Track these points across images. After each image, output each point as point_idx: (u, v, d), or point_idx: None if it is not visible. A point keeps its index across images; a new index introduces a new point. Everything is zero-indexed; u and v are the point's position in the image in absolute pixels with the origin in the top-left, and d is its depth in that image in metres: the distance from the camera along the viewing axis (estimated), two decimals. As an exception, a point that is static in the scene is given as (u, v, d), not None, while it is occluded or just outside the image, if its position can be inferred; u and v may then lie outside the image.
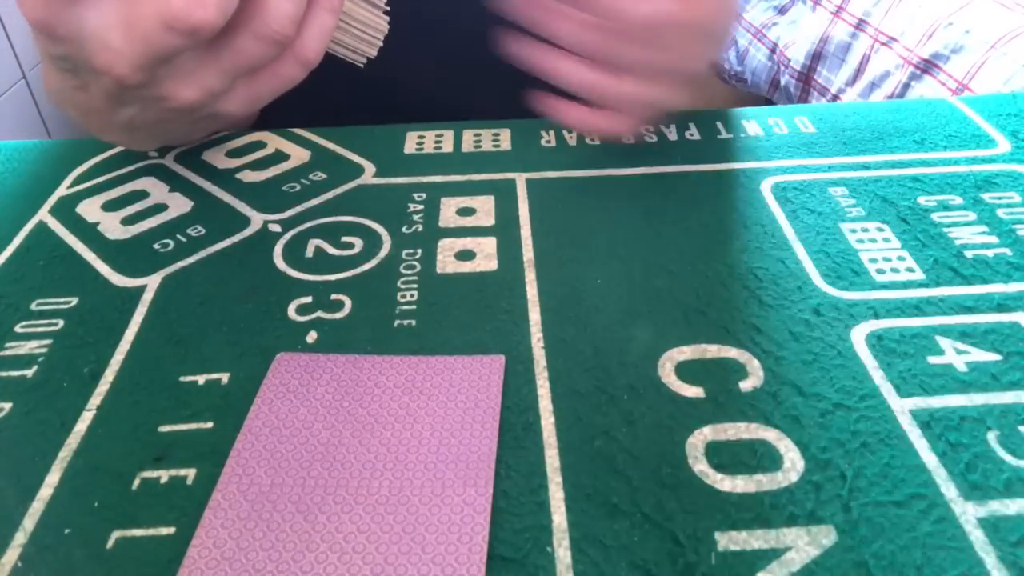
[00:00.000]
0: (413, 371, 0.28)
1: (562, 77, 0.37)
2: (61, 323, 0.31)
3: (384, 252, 0.35)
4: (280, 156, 0.42)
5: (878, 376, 0.28)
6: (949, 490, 0.24)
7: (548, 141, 0.43)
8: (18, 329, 0.31)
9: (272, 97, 0.32)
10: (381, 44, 0.35)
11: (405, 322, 0.31)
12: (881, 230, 0.35)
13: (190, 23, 0.26)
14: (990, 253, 0.34)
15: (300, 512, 0.24)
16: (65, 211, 0.38)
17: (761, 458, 0.25)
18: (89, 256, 0.35)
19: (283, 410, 0.27)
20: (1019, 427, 0.26)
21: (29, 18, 0.27)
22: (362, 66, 0.35)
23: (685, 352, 0.29)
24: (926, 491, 0.24)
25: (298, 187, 0.39)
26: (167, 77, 0.29)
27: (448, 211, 0.37)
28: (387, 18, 0.35)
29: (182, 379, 0.28)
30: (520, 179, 0.39)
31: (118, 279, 0.33)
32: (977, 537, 0.23)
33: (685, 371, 0.28)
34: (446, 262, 0.34)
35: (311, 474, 0.25)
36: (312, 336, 0.30)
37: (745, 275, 0.33)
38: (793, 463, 0.25)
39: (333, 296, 0.32)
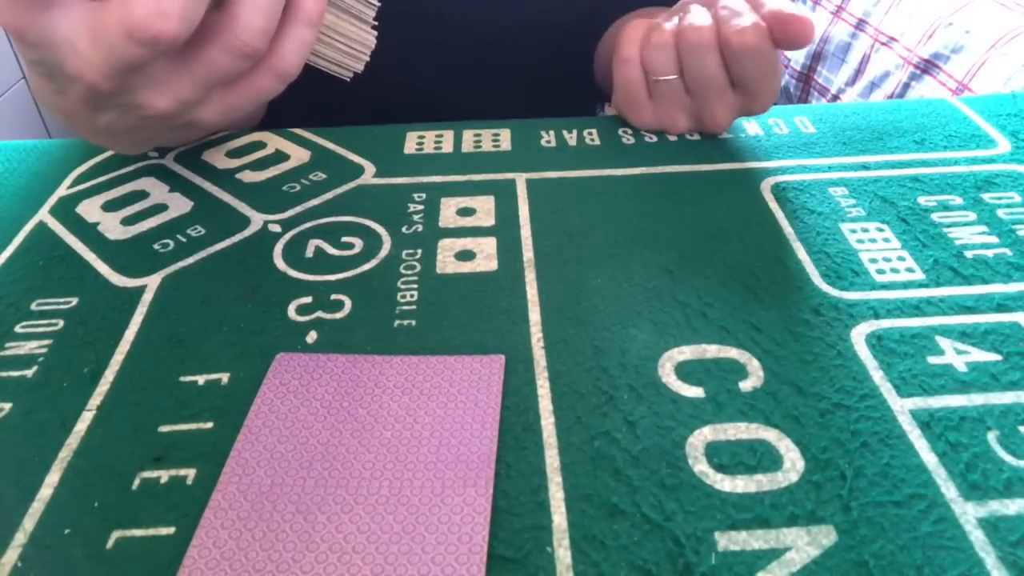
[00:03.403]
0: (413, 371, 0.28)
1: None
2: (61, 323, 0.31)
3: (384, 252, 0.35)
4: (280, 156, 0.42)
5: (878, 376, 0.28)
6: (949, 490, 0.24)
7: (548, 141, 0.43)
8: (18, 329, 0.31)
9: (249, 108, 0.32)
10: (368, 59, 0.35)
11: (405, 322, 0.31)
12: (881, 230, 0.35)
13: (151, 34, 0.26)
14: (990, 253, 0.34)
15: (300, 512, 0.24)
16: (65, 211, 0.38)
17: (761, 458, 0.25)
18: (89, 256, 0.35)
19: (283, 410, 0.27)
20: (1019, 427, 0.26)
21: (1, 22, 0.27)
22: (348, 80, 0.35)
23: (685, 352, 0.29)
24: (926, 491, 0.24)
25: (298, 187, 0.39)
26: (140, 86, 0.29)
27: (448, 211, 0.37)
28: (375, 33, 0.34)
29: (182, 379, 0.28)
30: (520, 179, 0.39)
31: (118, 279, 0.33)
32: (977, 537, 0.23)
33: (685, 371, 0.28)
34: (446, 262, 0.34)
35: (311, 474, 0.25)
36: (312, 336, 0.30)
37: (745, 275, 0.33)
38: (793, 463, 0.25)
39: (333, 296, 0.32)
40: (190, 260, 0.34)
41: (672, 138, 0.43)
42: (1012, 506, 0.23)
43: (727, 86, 0.39)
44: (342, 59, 0.34)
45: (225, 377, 0.28)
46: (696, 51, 0.38)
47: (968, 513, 0.23)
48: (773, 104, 0.41)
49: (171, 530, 0.23)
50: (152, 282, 0.33)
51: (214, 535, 0.23)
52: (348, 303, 0.32)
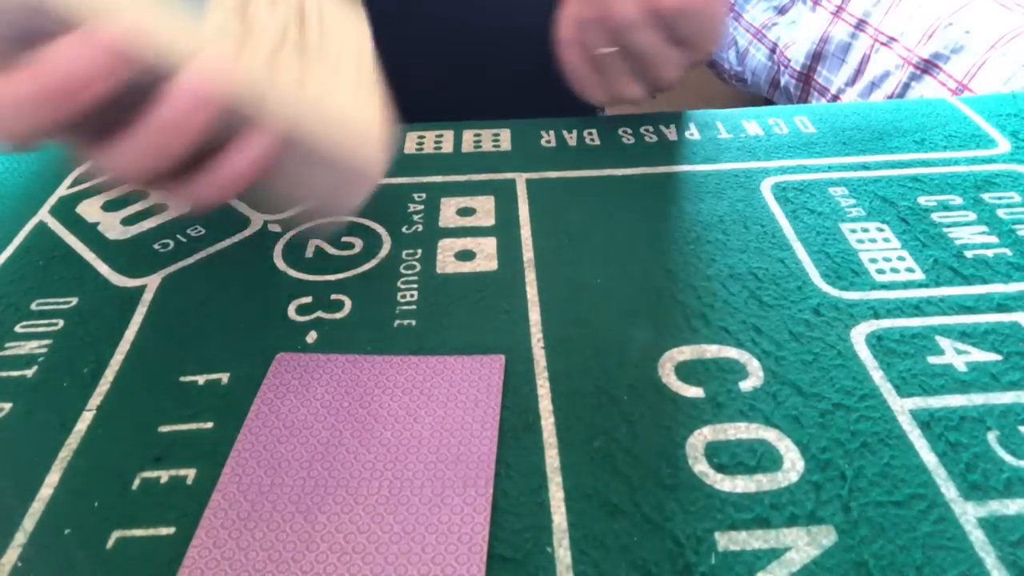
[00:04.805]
0: (413, 371, 0.28)
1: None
2: (61, 323, 0.31)
3: (384, 252, 0.35)
4: (280, 156, 0.42)
5: (878, 376, 0.28)
6: (949, 490, 0.24)
7: (548, 141, 0.43)
8: (18, 329, 0.31)
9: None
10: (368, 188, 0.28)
11: (405, 322, 0.31)
12: (881, 230, 0.35)
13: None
14: (990, 253, 0.34)
15: (300, 512, 0.24)
16: (65, 211, 0.38)
17: (761, 458, 0.25)
18: (89, 256, 0.35)
19: (283, 410, 0.27)
20: (1019, 427, 0.26)
21: None
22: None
23: (685, 352, 0.29)
24: (926, 491, 0.24)
25: (298, 187, 0.39)
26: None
27: (448, 211, 0.37)
28: (382, 162, 0.28)
29: (182, 379, 0.28)
30: (520, 179, 0.39)
31: (118, 279, 0.33)
32: (977, 537, 0.23)
33: (685, 371, 0.28)
34: (446, 262, 0.34)
35: (311, 474, 0.25)
36: (312, 336, 0.30)
37: (745, 275, 0.33)
38: (793, 463, 0.25)
39: (333, 296, 0.32)
40: (190, 260, 0.34)
41: (672, 138, 0.43)
42: (1012, 506, 0.23)
43: (666, 47, 0.38)
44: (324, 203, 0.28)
45: (225, 377, 0.28)
46: (626, 29, 0.37)
47: (968, 513, 0.23)
48: (719, 47, 0.40)
49: (171, 530, 0.23)
50: (152, 282, 0.33)
51: (214, 535, 0.23)
52: (348, 303, 0.32)
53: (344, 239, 0.35)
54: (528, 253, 0.34)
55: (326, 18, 0.28)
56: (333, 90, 0.27)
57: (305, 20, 0.28)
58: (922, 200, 0.37)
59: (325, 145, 0.25)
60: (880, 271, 0.33)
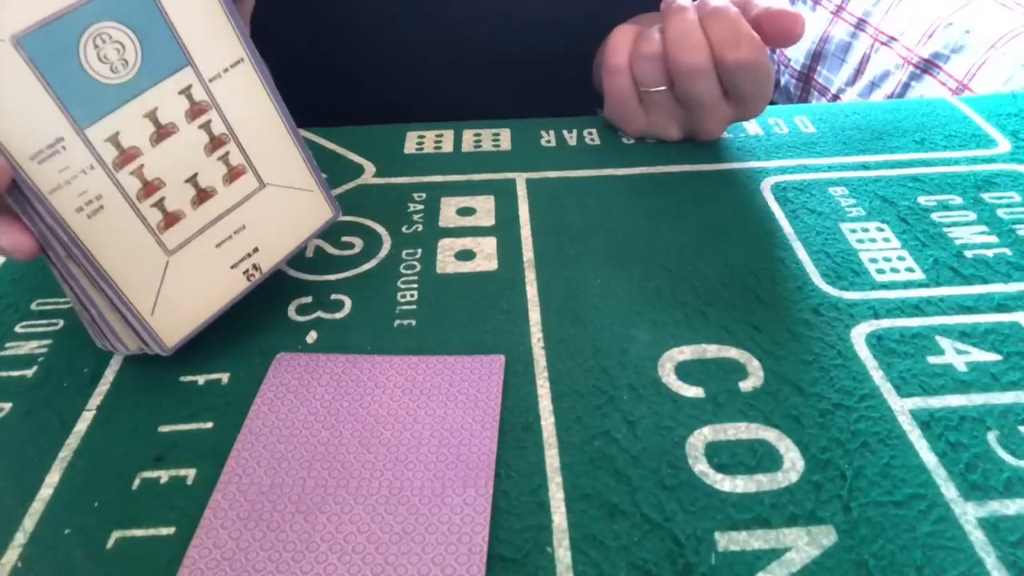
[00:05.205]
0: (413, 371, 0.28)
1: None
2: (61, 323, 0.31)
3: (384, 252, 0.35)
4: (280, 156, 0.42)
5: (878, 376, 0.28)
6: (949, 490, 0.24)
7: (548, 141, 0.43)
8: (18, 329, 0.31)
9: None
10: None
11: (405, 322, 0.31)
12: (881, 230, 0.35)
13: None
14: (990, 253, 0.34)
15: (300, 512, 0.24)
16: (65, 211, 0.38)
17: (761, 458, 0.25)
18: (89, 256, 0.35)
19: (283, 410, 0.27)
20: (1019, 427, 0.26)
21: None
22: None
23: (685, 352, 0.29)
24: (926, 491, 0.24)
25: (298, 187, 0.39)
26: None
27: (448, 211, 0.37)
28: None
29: (182, 379, 0.28)
30: (520, 179, 0.39)
31: (118, 279, 0.33)
32: (977, 537, 0.23)
33: (685, 371, 0.28)
34: (446, 262, 0.34)
35: (311, 474, 0.25)
36: (312, 336, 0.30)
37: (745, 275, 0.33)
38: (793, 463, 0.25)
39: (333, 296, 0.32)
40: (190, 260, 0.34)
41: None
42: (1012, 506, 0.23)
43: (721, 100, 0.39)
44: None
45: (225, 377, 0.28)
46: (689, 76, 0.37)
47: (968, 513, 0.23)
48: (764, 111, 0.40)
49: (171, 530, 0.23)
50: (152, 282, 0.33)
51: (214, 535, 0.23)
52: (348, 303, 0.32)
53: (344, 239, 0.35)
54: (528, 253, 0.34)
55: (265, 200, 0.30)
56: (185, 265, 0.28)
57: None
58: (922, 200, 0.37)
59: (110, 294, 0.27)
60: (880, 271, 0.33)
